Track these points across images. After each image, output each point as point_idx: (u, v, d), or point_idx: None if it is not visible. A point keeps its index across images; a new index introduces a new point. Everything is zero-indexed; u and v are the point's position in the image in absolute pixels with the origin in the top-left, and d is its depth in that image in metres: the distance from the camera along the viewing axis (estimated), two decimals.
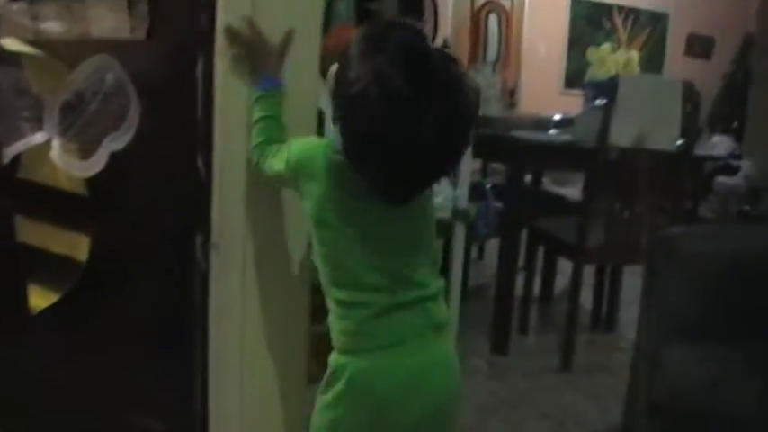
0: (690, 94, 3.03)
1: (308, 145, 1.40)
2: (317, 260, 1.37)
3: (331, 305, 1.38)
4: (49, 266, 1.90)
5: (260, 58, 1.49)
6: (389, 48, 1.21)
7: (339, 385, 1.33)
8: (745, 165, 5.41)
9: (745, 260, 1.92)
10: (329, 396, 1.35)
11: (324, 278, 1.37)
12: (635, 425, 1.98)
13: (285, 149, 1.41)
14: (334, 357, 1.37)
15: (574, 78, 7.63)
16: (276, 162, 1.41)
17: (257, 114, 1.47)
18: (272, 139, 1.45)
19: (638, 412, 1.95)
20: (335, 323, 1.37)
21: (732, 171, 5.50)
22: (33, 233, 1.94)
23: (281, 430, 1.65)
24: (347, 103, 1.24)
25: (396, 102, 1.18)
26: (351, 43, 1.26)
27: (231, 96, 1.49)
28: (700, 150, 3.30)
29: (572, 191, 4.38)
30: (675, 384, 1.82)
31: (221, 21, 1.46)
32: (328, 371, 1.37)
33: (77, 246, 1.83)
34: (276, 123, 1.47)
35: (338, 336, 1.37)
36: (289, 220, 1.57)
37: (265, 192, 1.53)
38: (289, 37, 1.50)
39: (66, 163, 1.80)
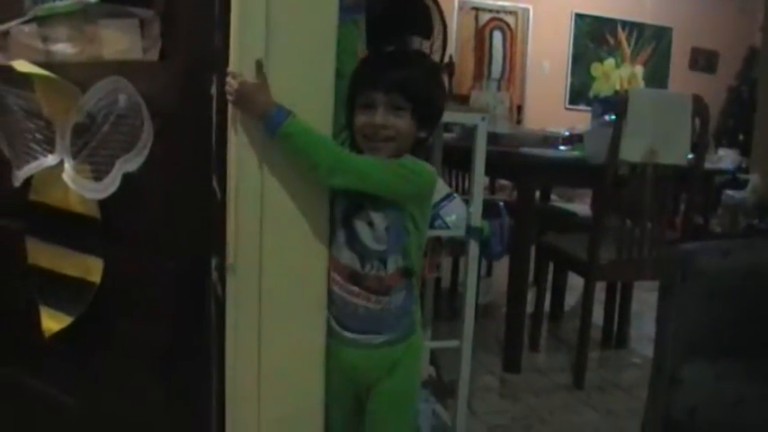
0: (699, 108, 3.01)
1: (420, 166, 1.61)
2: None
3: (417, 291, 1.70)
4: (61, 289, 1.88)
5: (256, 101, 1.49)
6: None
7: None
8: (753, 178, 5.39)
9: (763, 273, 1.91)
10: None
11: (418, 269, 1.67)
12: None
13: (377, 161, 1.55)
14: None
15: (578, 94, 7.66)
16: (372, 168, 1.54)
17: (296, 136, 1.49)
18: (334, 146, 1.55)
19: (657, 430, 1.93)
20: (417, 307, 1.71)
21: (739, 185, 5.48)
22: (45, 255, 1.93)
23: None
24: None
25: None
26: None
27: (245, 116, 1.47)
28: (707, 164, 3.27)
29: (579, 207, 4.37)
30: (695, 402, 1.80)
31: (235, 40, 1.45)
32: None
33: (90, 268, 1.82)
34: (318, 134, 1.52)
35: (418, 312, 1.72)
36: (305, 239, 1.55)
37: (281, 212, 1.52)
38: (260, 66, 1.49)
39: (78, 185, 1.79)
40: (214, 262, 1.52)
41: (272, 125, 1.47)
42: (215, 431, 1.58)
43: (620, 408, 2.91)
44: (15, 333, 2.08)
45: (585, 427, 2.73)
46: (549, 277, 3.73)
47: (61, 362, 1.96)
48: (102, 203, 1.77)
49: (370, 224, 1.56)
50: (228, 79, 1.48)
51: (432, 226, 2.18)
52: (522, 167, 3.13)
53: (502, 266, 3.79)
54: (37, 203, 1.93)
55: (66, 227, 1.85)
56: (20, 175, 1.93)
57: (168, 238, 1.67)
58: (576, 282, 3.48)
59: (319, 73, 1.54)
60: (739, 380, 1.76)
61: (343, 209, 1.59)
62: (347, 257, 1.58)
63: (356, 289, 1.60)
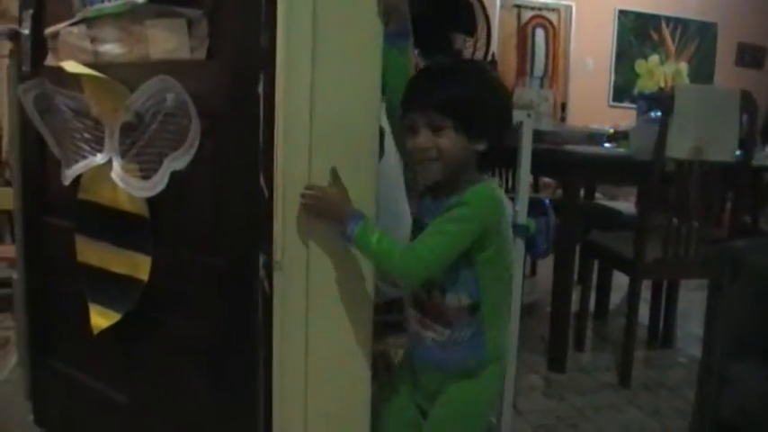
0: (747, 104, 2.96)
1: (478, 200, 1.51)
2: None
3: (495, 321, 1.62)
4: (109, 286, 1.91)
5: (332, 211, 1.52)
6: None
7: (502, 363, 1.66)
8: None
9: None
10: (498, 372, 1.66)
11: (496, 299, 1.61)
12: None
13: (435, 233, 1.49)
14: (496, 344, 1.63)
15: (621, 91, 7.57)
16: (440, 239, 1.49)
17: (365, 248, 1.50)
18: (402, 251, 1.50)
19: (705, 430, 1.90)
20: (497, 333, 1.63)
21: None
22: (94, 253, 1.96)
23: None
24: None
25: None
26: None
27: (293, 114, 1.48)
28: (755, 161, 3.21)
29: (624, 205, 4.32)
30: (744, 402, 1.78)
31: (282, 39, 1.45)
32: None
33: (138, 266, 1.84)
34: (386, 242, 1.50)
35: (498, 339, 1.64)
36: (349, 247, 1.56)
37: None
38: (335, 174, 1.53)
39: (127, 184, 1.81)
40: (261, 259, 1.52)
41: (346, 236, 1.49)
42: (262, 427, 1.58)
43: (666, 407, 2.87)
44: (67, 330, 2.11)
45: (631, 426, 2.70)
46: (594, 276, 3.70)
47: (111, 359, 1.99)
48: (151, 201, 1.79)
49: None
50: (306, 191, 1.50)
51: None
52: (567, 165, 3.10)
53: (546, 266, 3.76)
54: (86, 202, 1.96)
55: (115, 225, 1.88)
56: (69, 174, 1.96)
57: (216, 236, 1.68)
58: (620, 281, 3.44)
59: (366, 72, 1.54)
60: None
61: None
62: None
63: (420, 316, 1.61)
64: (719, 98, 3.03)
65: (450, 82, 1.52)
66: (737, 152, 3.02)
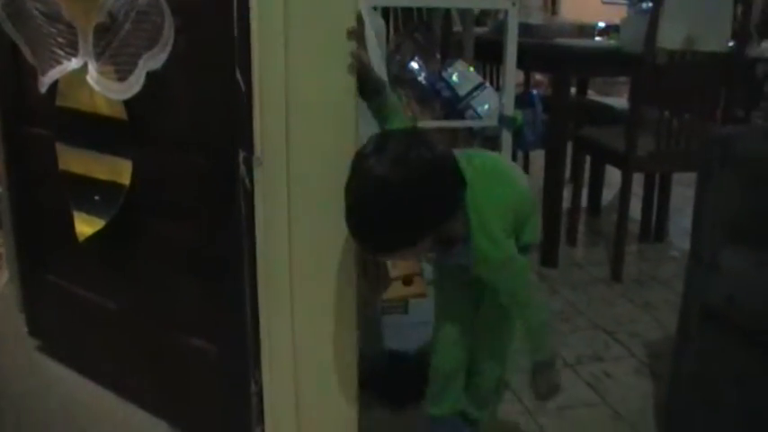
0: None
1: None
2: None
3: None
4: (92, 193, 1.89)
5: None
6: None
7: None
8: None
9: None
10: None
11: None
12: (690, 331, 1.94)
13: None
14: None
15: None
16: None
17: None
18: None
19: (693, 318, 1.91)
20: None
21: None
22: (75, 161, 1.93)
23: (335, 347, 1.63)
24: None
25: None
26: None
27: (267, 6, 1.43)
28: (750, 53, 3.17)
29: (617, 100, 4.28)
30: (733, 290, 1.77)
31: None
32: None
33: (120, 171, 1.82)
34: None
35: None
36: (333, 127, 1.52)
37: (306, 101, 1.48)
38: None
39: (103, 87, 1.77)
40: (241, 155, 1.49)
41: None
42: (250, 323, 1.59)
43: (658, 300, 2.90)
44: (55, 242, 2.10)
45: (622, 319, 2.73)
46: (587, 172, 3.68)
47: (99, 267, 1.99)
48: (129, 104, 1.75)
49: None
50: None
51: (463, 117, 2.15)
52: (557, 58, 3.05)
53: (538, 162, 3.74)
54: (64, 109, 1.91)
55: (95, 130, 1.85)
56: (45, 81, 1.91)
57: (195, 135, 1.65)
58: (614, 179, 3.43)
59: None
60: None
61: None
62: None
63: None
64: None
65: (373, 224, 1.43)
66: (730, 43, 2.97)
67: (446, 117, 2.29)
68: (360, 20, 1.55)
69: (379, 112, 1.62)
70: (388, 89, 1.62)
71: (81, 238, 1.91)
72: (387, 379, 2.11)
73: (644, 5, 3.14)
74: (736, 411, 1.77)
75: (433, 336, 1.83)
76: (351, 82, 1.51)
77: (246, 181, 1.50)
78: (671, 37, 2.84)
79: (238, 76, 1.46)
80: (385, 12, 2.78)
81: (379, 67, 1.98)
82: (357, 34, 1.49)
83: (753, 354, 1.73)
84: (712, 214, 1.88)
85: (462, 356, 1.80)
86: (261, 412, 1.67)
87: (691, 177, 2.00)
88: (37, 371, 2.20)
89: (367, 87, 1.56)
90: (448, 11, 3.08)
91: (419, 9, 2.79)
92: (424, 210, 1.42)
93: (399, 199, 1.38)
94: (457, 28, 3.16)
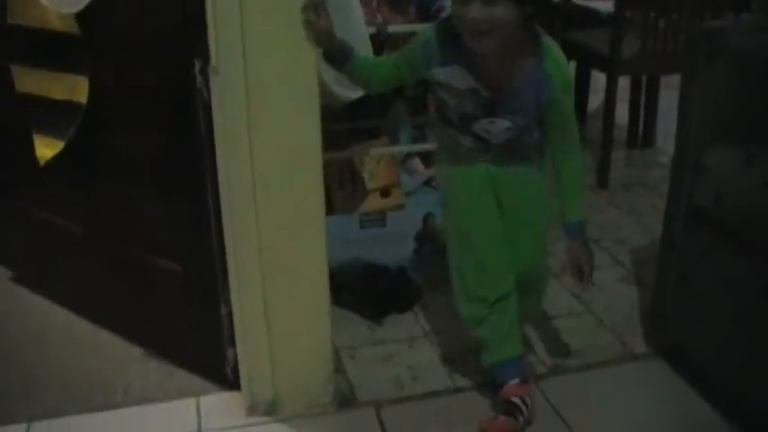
0: None
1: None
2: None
3: None
4: (51, 113, 1.82)
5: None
6: None
7: None
8: None
9: None
10: None
11: None
12: (676, 235, 1.89)
13: None
14: None
15: None
16: None
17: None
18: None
19: (680, 221, 1.86)
20: None
21: None
22: (31, 81, 1.87)
23: (303, 260, 1.58)
24: None
25: None
26: None
27: None
28: None
29: (603, 4, 4.15)
30: (720, 188, 1.72)
31: None
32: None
33: (76, 88, 1.76)
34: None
35: None
36: (293, 34, 1.43)
37: (263, 7, 1.39)
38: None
39: (52, 1, 1.68)
40: (197, 65, 1.42)
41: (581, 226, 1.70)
42: (215, 240, 1.53)
43: (644, 205, 2.85)
44: (18, 167, 2.04)
45: (609, 226, 2.69)
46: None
47: (62, 191, 1.94)
48: (80, 18, 1.67)
49: None
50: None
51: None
52: None
53: None
54: (15, 27, 1.83)
55: (48, 48, 1.79)
56: None
57: (149, 46, 1.58)
58: (601, 85, 3.34)
59: None
60: None
61: None
62: None
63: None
64: None
65: None
66: None
67: (420, 20, 2.20)
68: None
69: (358, 78, 1.61)
70: (356, 52, 1.56)
71: (42, 162, 1.85)
72: (364, 293, 2.07)
73: None
74: (724, 314, 1.74)
75: (453, 252, 1.72)
76: None
77: (204, 91, 1.42)
78: None
79: None
80: None
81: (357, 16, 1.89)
82: (313, 5, 1.43)
83: (740, 255, 1.68)
84: (698, 112, 1.82)
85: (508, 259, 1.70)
86: (232, 333, 1.63)
87: (679, 80, 1.93)
88: (9, 298, 2.17)
89: (332, 53, 1.52)
90: None
91: None
92: None
93: None
94: None
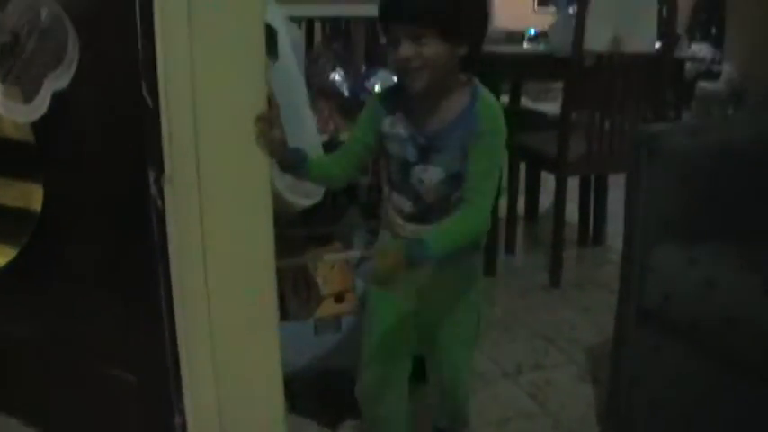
0: None
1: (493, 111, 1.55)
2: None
3: None
4: (4, 221, 1.81)
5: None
6: None
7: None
8: (727, 69, 5.31)
9: (735, 149, 1.84)
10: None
11: None
12: (627, 335, 1.91)
13: None
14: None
15: None
16: None
17: (447, 242, 1.52)
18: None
19: (630, 321, 1.89)
20: None
21: (714, 77, 5.40)
22: None
23: (256, 368, 1.57)
24: None
25: None
26: None
27: (171, 20, 1.37)
28: (679, 53, 3.20)
29: (550, 106, 4.28)
30: (667, 288, 1.76)
31: None
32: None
33: (31, 196, 1.74)
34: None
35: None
36: (245, 144, 1.45)
37: (216, 113, 1.42)
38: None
39: (8, 109, 1.70)
40: (152, 175, 1.43)
41: (422, 257, 1.49)
42: (168, 350, 1.52)
43: (597, 304, 2.89)
44: None
45: (563, 325, 2.71)
46: (522, 179, 3.67)
47: (7, 292, 1.90)
48: (36, 127, 1.68)
49: None
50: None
51: None
52: (488, 64, 3.03)
53: None
54: None
55: (3, 155, 1.77)
56: None
57: (104, 155, 1.59)
58: (552, 186, 3.42)
59: None
60: (714, 262, 1.70)
61: None
62: None
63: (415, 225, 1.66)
64: None
65: None
66: (658, 44, 2.99)
67: None
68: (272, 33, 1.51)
69: (318, 177, 1.66)
70: (308, 156, 1.58)
71: None
72: (320, 399, 2.05)
73: (571, 10, 3.15)
74: (676, 411, 1.75)
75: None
76: (261, 92, 1.46)
77: (158, 200, 1.44)
78: (597, 39, 2.84)
79: (145, 92, 1.41)
80: (309, 24, 2.74)
81: (298, 79, 1.93)
82: (266, 118, 1.47)
83: (690, 353, 1.71)
84: (643, 213, 1.87)
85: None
86: None
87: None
88: None
89: (286, 162, 1.55)
90: (372, 21, 3.05)
91: (343, 20, 2.76)
92: (476, 12, 1.49)
93: None
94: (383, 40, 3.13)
